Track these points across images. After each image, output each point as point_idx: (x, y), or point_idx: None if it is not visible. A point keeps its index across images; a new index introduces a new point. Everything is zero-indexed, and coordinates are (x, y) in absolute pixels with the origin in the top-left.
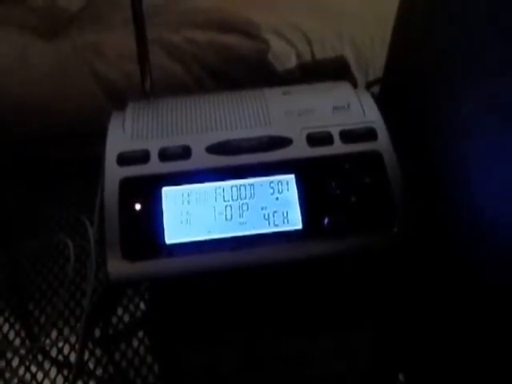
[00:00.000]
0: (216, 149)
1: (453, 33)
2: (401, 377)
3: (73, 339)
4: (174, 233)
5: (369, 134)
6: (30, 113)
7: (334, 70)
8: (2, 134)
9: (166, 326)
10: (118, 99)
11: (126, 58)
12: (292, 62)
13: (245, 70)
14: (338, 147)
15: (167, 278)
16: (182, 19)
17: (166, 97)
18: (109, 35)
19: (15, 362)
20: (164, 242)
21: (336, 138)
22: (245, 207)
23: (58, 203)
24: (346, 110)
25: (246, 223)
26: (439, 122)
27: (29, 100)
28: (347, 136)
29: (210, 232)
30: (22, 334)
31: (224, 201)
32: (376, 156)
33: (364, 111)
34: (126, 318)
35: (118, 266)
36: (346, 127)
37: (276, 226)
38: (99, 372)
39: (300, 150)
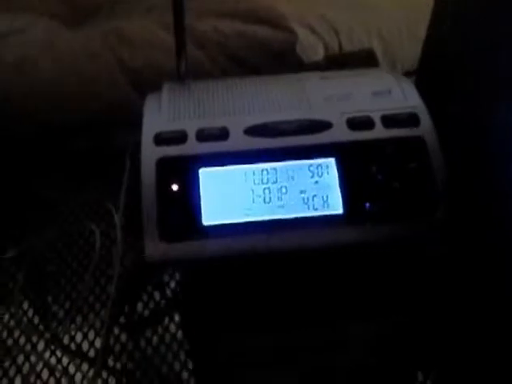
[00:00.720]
0: (255, 131)
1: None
2: (420, 376)
3: (98, 325)
4: (211, 214)
5: (411, 120)
6: (56, 100)
7: (361, 63)
8: (28, 121)
9: (199, 310)
10: (143, 88)
11: (151, 46)
12: (319, 54)
13: (271, 61)
14: (380, 131)
15: (203, 260)
16: (210, 8)
17: (201, 79)
18: (134, 23)
19: (41, 346)
20: (201, 223)
21: (377, 122)
22: (284, 190)
23: (82, 190)
24: (386, 95)
25: (284, 206)
26: (489, 117)
27: (55, 88)
28: (389, 121)
29: (247, 214)
30: (47, 319)
31: (262, 183)
32: (419, 142)
33: (405, 97)
34: (152, 305)
35: (155, 247)
36: (388, 112)
37: (315, 209)
38: (124, 359)
39: (340, 133)
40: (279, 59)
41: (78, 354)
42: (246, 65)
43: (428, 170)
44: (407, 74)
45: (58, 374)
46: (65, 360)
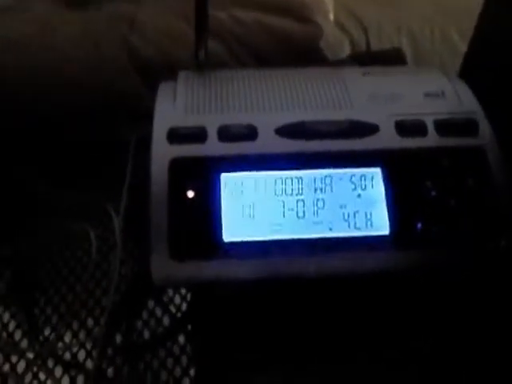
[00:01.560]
0: (288, 131)
1: None
2: None
3: (89, 345)
4: (233, 229)
5: (469, 127)
6: (54, 90)
7: (389, 63)
8: (21, 111)
9: (211, 338)
10: (152, 79)
11: (163, 35)
12: (345, 51)
13: (293, 56)
14: (434, 139)
15: (221, 284)
16: None
17: (221, 69)
18: (147, 9)
19: (21, 367)
20: (221, 239)
21: (430, 128)
22: (320, 204)
23: (79, 189)
24: (439, 97)
25: (321, 223)
26: None
27: (52, 76)
28: (443, 127)
29: (276, 231)
30: (31, 335)
31: (295, 194)
32: (479, 153)
33: (461, 100)
34: (153, 323)
35: (163, 266)
36: (442, 116)
37: (358, 229)
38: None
39: (388, 139)
40: (301, 54)
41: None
42: (265, 58)
43: (489, 187)
44: None
45: None
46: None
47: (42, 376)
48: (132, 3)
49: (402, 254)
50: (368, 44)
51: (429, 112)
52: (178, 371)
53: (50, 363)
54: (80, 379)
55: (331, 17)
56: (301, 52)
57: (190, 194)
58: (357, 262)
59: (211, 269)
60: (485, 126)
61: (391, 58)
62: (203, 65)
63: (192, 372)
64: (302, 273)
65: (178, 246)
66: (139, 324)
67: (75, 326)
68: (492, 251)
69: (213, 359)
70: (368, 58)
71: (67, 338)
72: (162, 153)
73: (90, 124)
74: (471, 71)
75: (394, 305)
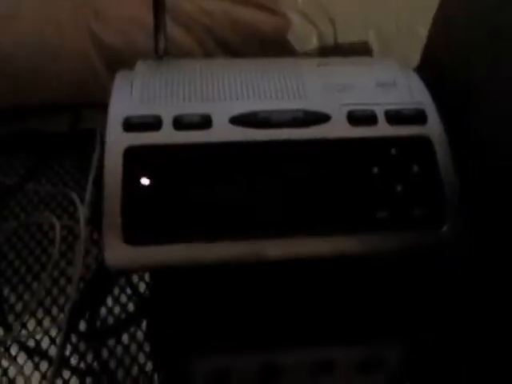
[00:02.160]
0: (242, 120)
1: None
2: None
3: (54, 332)
4: (187, 215)
5: (418, 117)
6: (17, 77)
7: (355, 56)
8: None
9: (169, 321)
10: (117, 68)
11: (130, 23)
12: (312, 44)
13: (260, 47)
14: (383, 128)
15: (175, 268)
16: None
17: (181, 58)
18: None
19: None
20: (174, 224)
21: (380, 117)
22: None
23: (44, 178)
24: (391, 87)
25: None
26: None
27: (16, 62)
28: (393, 117)
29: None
30: None
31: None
32: (425, 142)
33: (411, 90)
34: (117, 310)
35: (117, 251)
36: (392, 107)
37: (307, 213)
38: (82, 371)
39: (339, 128)
40: (268, 45)
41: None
42: (233, 49)
43: (435, 174)
44: None
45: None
46: (12, 370)
47: (4, 363)
48: None
49: (354, 238)
50: (335, 37)
51: (379, 102)
52: (141, 357)
53: (14, 350)
54: (43, 366)
55: (298, 9)
56: (268, 43)
57: (145, 180)
58: (307, 246)
59: (165, 252)
60: (433, 116)
61: (358, 51)
62: (163, 54)
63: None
64: (269, 256)
65: (132, 231)
66: (103, 311)
67: (40, 313)
68: (435, 236)
69: (170, 343)
70: (335, 51)
71: (31, 325)
72: (117, 141)
73: (54, 112)
74: (429, 63)
75: (352, 287)
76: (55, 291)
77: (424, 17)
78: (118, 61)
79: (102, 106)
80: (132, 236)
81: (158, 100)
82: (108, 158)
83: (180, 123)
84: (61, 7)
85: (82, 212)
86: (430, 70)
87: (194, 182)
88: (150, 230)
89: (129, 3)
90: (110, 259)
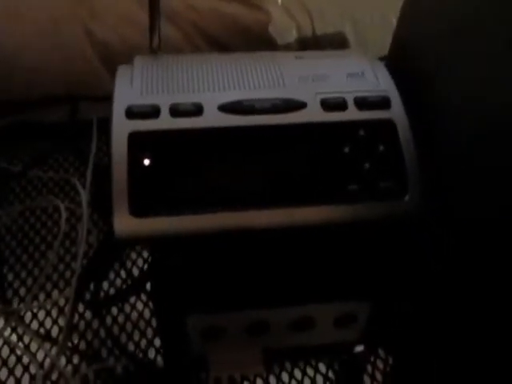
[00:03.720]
0: (229, 108)
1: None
2: (381, 352)
3: (62, 303)
4: (184, 190)
5: (383, 103)
6: (19, 72)
7: (333, 47)
8: None
9: (169, 287)
10: (112, 62)
11: (123, 21)
12: (292, 36)
13: (244, 41)
14: (353, 113)
15: (175, 237)
16: None
17: (174, 54)
18: None
19: (0, 323)
20: (173, 198)
21: (350, 104)
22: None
23: (46, 165)
24: (360, 77)
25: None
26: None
27: (18, 58)
28: (361, 103)
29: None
30: (8, 296)
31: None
32: (389, 124)
33: (378, 79)
34: (118, 282)
35: (125, 223)
36: (361, 94)
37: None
38: (89, 337)
39: (314, 114)
40: (252, 38)
41: (40, 333)
42: (219, 43)
43: (397, 152)
44: (378, 59)
45: (19, 352)
46: (26, 338)
47: (19, 331)
48: None
49: (329, 208)
50: (313, 29)
51: (350, 90)
52: (142, 324)
53: (28, 319)
54: (54, 332)
55: (279, 3)
56: (251, 37)
57: (146, 161)
58: (282, 216)
59: (166, 223)
60: (396, 102)
61: (335, 42)
62: (157, 50)
63: (154, 323)
64: (256, 225)
65: (138, 205)
66: (105, 284)
67: (48, 287)
68: (397, 207)
69: (172, 307)
70: (314, 42)
71: (41, 297)
72: (122, 127)
73: (53, 104)
74: (396, 52)
75: (329, 253)
76: (61, 267)
77: (396, 8)
78: (113, 56)
79: (98, 98)
80: (137, 209)
81: (155, 91)
82: (114, 142)
83: (176, 111)
84: (58, 7)
85: (84, 195)
86: (397, 58)
87: (189, 161)
88: (152, 204)
89: (122, 2)
90: (118, 230)
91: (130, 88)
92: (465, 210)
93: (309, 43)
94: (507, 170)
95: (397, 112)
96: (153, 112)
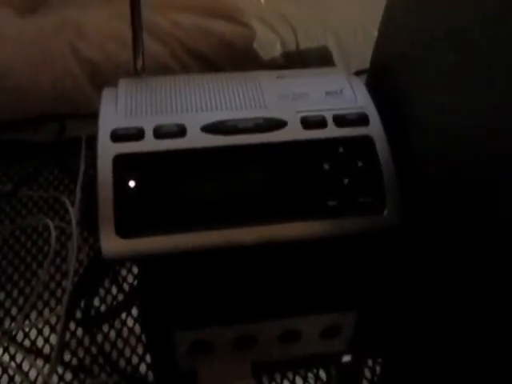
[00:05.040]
0: (212, 128)
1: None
2: (369, 361)
3: (53, 321)
4: (169, 210)
5: (361, 119)
6: (6, 92)
7: (317, 61)
8: None
9: (158, 304)
10: (99, 80)
11: (108, 38)
12: (277, 51)
13: (230, 57)
14: (332, 131)
15: (161, 256)
16: (169, 2)
17: (158, 75)
18: (90, 14)
19: None
20: (159, 218)
21: (329, 121)
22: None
23: (35, 184)
24: (338, 95)
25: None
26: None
27: (3, 78)
28: (340, 120)
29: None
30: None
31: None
32: (368, 141)
33: (356, 97)
34: (109, 299)
35: (112, 243)
36: (339, 112)
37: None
38: (81, 354)
39: (295, 132)
40: (237, 54)
41: (32, 351)
42: (205, 59)
43: (376, 168)
44: (361, 72)
45: (11, 372)
46: (19, 357)
47: (11, 350)
48: (77, 8)
49: (310, 223)
50: (297, 44)
51: (329, 108)
52: (133, 340)
53: (19, 338)
54: (46, 350)
55: (262, 19)
56: (237, 52)
57: (132, 183)
58: (275, 232)
59: (152, 243)
60: (374, 118)
61: (318, 56)
62: (141, 71)
63: (145, 339)
64: (240, 241)
65: (124, 226)
66: (96, 301)
67: (40, 306)
68: (376, 221)
69: (159, 323)
70: (298, 57)
71: (33, 316)
72: (107, 150)
73: (40, 122)
74: (376, 67)
75: (312, 267)
76: (52, 285)
77: (378, 21)
78: (99, 73)
79: (85, 116)
80: (124, 230)
81: (139, 113)
82: (100, 165)
83: (159, 133)
84: (44, 26)
85: (73, 213)
86: (376, 74)
87: (174, 182)
88: (138, 224)
89: (107, 20)
90: (105, 250)
91: (114, 111)
92: (442, 223)
93: (293, 58)
94: (485, 183)
95: (375, 128)
96: (137, 134)
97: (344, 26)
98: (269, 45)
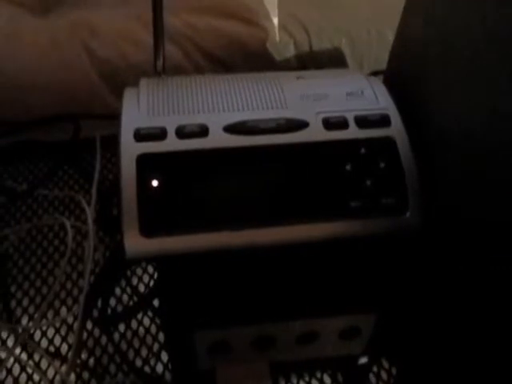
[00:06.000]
0: (234, 128)
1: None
2: (385, 363)
3: (70, 320)
4: (191, 210)
5: (383, 120)
6: (21, 93)
7: (330, 62)
8: None
9: (176, 303)
10: (113, 80)
11: (122, 38)
12: (290, 52)
13: (243, 58)
14: (353, 132)
15: (184, 256)
16: (183, 3)
17: (178, 75)
18: (103, 14)
19: (11, 342)
20: (182, 218)
21: (351, 122)
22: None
23: (51, 184)
24: (359, 96)
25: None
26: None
27: (20, 79)
28: (362, 121)
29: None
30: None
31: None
32: (390, 142)
33: (377, 98)
34: (125, 299)
35: (135, 243)
36: (361, 113)
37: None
38: (98, 353)
39: (316, 133)
40: (251, 55)
41: (49, 350)
42: (218, 60)
43: (398, 169)
44: (376, 73)
45: (29, 370)
46: (36, 356)
47: (29, 349)
48: (91, 9)
49: (326, 226)
50: (310, 45)
51: (350, 109)
52: (149, 339)
53: (37, 337)
54: (63, 350)
55: (276, 20)
56: (250, 53)
57: (155, 182)
58: (287, 233)
59: (174, 243)
60: (396, 119)
61: (332, 57)
62: (162, 71)
63: (161, 339)
64: (262, 242)
65: (148, 225)
66: (113, 300)
67: (56, 305)
68: (398, 223)
69: (179, 323)
70: (311, 58)
71: (50, 315)
72: (130, 150)
73: (56, 122)
74: (394, 69)
75: (332, 268)
76: (69, 284)
77: (392, 23)
78: (113, 73)
79: (100, 116)
80: (147, 229)
81: (161, 113)
82: (123, 165)
83: (182, 133)
84: (58, 26)
85: (89, 212)
86: (394, 75)
87: (196, 182)
88: (161, 224)
89: (121, 20)
90: (129, 250)
91: (137, 111)
92: (465, 223)
93: (306, 59)
94: (510, 184)
95: (397, 129)
96: (160, 134)
97: (357, 27)
98: (282, 46)
